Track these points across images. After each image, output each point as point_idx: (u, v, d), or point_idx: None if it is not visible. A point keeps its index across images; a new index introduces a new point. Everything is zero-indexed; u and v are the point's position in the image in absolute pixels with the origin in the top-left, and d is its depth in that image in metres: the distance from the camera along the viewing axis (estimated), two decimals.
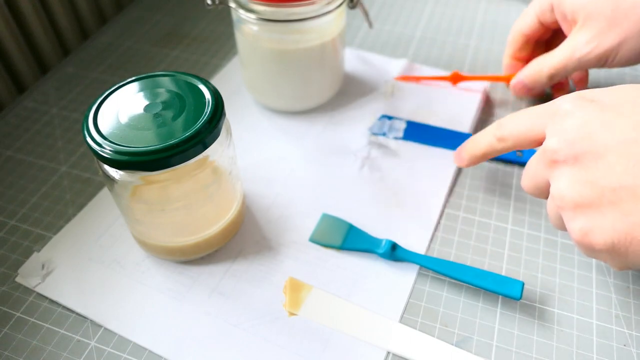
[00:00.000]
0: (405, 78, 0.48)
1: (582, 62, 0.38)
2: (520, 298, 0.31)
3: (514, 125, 0.32)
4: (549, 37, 0.44)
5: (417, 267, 0.35)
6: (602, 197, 0.25)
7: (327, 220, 0.37)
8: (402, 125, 0.43)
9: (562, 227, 0.29)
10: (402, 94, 0.47)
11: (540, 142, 0.30)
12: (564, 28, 0.39)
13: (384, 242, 0.35)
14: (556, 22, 0.40)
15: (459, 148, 0.38)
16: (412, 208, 0.38)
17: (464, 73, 0.48)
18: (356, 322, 0.32)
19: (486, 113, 0.46)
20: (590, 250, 0.26)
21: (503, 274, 0.34)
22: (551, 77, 0.40)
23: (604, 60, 0.37)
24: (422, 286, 0.34)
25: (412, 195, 0.39)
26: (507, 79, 0.44)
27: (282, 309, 0.33)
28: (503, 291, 0.32)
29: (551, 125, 0.28)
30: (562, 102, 0.28)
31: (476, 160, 0.36)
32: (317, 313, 0.32)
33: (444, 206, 0.38)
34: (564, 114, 0.28)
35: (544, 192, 0.30)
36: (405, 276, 0.34)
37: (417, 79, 0.48)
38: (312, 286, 0.34)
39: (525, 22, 0.42)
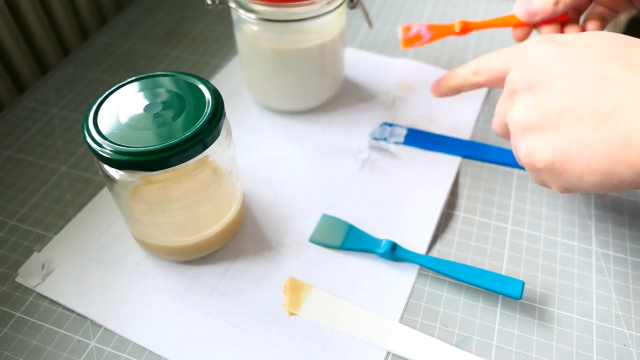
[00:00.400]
0: (411, 39, 0.46)
1: None
2: (521, 298, 0.31)
3: (487, 61, 0.35)
4: None
5: (417, 267, 0.35)
6: (547, 120, 0.28)
7: (327, 221, 0.37)
8: (403, 132, 0.43)
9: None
10: (402, 104, 0.47)
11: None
12: None
13: (384, 242, 0.35)
14: None
15: (437, 80, 0.40)
16: (412, 208, 0.38)
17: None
18: (356, 322, 0.32)
19: (486, 119, 0.46)
20: (534, 170, 0.29)
21: (503, 274, 0.34)
22: (557, 1, 0.40)
23: None
24: (422, 286, 0.34)
25: (412, 196, 0.39)
26: (513, 20, 0.43)
27: (282, 309, 0.33)
28: (503, 291, 0.32)
29: (515, 62, 0.31)
30: (529, 42, 0.31)
31: (451, 92, 0.38)
32: (317, 313, 0.32)
33: (444, 206, 0.38)
34: (527, 50, 0.30)
35: (507, 128, 0.32)
36: (405, 276, 0.34)
37: (429, 26, 0.45)
38: (312, 286, 0.34)
39: None
